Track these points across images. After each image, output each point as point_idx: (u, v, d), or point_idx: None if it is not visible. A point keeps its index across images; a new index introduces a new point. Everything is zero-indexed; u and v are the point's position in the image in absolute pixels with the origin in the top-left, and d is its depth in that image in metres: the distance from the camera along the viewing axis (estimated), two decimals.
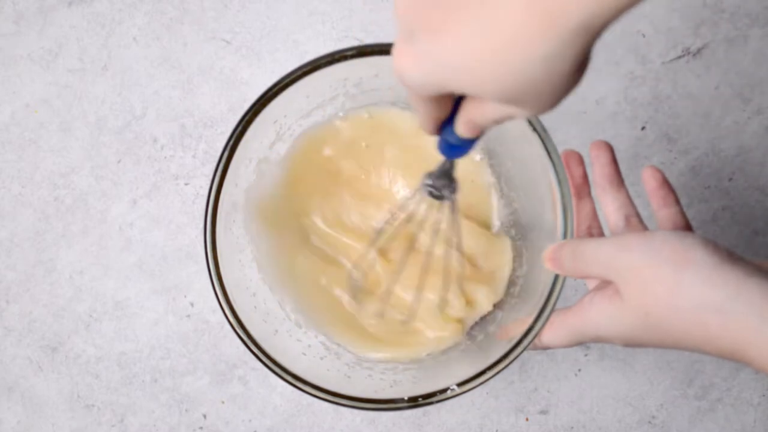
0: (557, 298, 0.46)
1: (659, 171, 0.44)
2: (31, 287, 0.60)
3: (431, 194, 0.44)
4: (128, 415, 0.60)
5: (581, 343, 0.43)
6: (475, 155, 0.56)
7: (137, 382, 0.60)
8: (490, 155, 0.56)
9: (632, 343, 0.40)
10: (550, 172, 0.46)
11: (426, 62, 0.28)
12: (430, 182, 0.43)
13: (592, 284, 0.46)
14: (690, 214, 0.60)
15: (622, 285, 0.38)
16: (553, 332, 0.43)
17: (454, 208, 0.47)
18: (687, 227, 0.44)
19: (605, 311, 0.40)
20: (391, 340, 0.54)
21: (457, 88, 0.29)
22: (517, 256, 0.55)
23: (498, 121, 0.32)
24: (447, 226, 0.50)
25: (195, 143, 0.60)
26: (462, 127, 0.34)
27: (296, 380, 0.46)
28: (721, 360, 0.60)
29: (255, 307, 0.51)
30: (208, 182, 0.48)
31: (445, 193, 0.43)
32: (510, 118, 0.31)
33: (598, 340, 0.41)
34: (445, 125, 0.36)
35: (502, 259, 0.55)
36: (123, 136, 0.60)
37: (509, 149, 0.53)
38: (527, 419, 0.60)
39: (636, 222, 0.45)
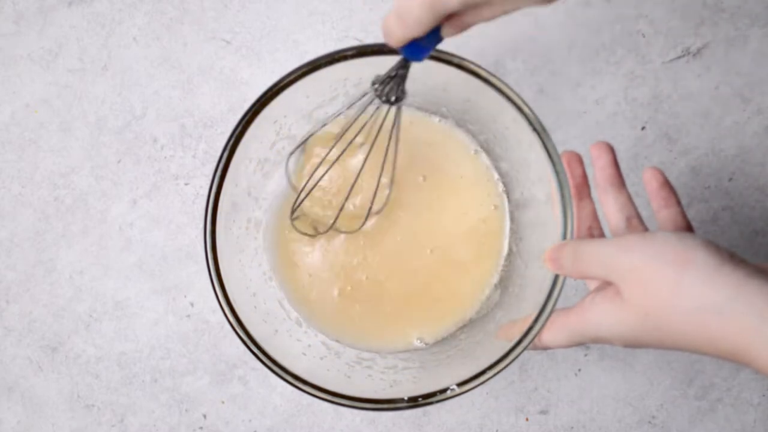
0: (557, 298, 0.46)
1: (660, 172, 0.44)
2: (31, 287, 0.60)
3: (382, 97, 0.44)
4: (128, 415, 0.60)
5: (581, 343, 0.43)
6: (475, 152, 0.56)
7: (137, 382, 0.60)
8: (490, 155, 0.56)
9: (632, 344, 0.40)
10: (550, 172, 0.46)
11: None
12: (380, 85, 0.44)
13: (592, 285, 0.46)
14: (690, 214, 0.60)
15: (623, 285, 0.38)
16: (553, 333, 0.43)
17: (398, 117, 0.48)
18: (688, 228, 0.44)
19: (605, 312, 0.40)
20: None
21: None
22: (515, 256, 0.55)
23: (491, 19, 0.37)
24: (387, 135, 0.50)
25: (195, 143, 0.60)
26: (450, 30, 0.38)
27: (296, 380, 0.46)
28: (721, 360, 0.60)
29: (255, 307, 0.51)
30: (208, 182, 0.48)
31: (397, 95, 0.44)
32: (506, 13, 0.36)
33: (598, 341, 0.41)
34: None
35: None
36: (123, 136, 0.60)
37: (509, 149, 0.53)
38: (527, 419, 0.60)
39: (637, 223, 0.45)
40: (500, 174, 0.56)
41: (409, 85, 0.52)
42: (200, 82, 0.60)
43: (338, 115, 0.49)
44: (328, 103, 0.53)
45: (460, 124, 0.56)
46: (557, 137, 0.59)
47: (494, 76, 0.46)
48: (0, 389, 0.60)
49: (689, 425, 0.60)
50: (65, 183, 0.60)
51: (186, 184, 0.60)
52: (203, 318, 0.60)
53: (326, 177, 0.53)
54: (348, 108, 0.49)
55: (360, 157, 0.53)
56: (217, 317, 0.60)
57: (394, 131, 0.49)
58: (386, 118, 0.49)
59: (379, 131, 0.49)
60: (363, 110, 0.48)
